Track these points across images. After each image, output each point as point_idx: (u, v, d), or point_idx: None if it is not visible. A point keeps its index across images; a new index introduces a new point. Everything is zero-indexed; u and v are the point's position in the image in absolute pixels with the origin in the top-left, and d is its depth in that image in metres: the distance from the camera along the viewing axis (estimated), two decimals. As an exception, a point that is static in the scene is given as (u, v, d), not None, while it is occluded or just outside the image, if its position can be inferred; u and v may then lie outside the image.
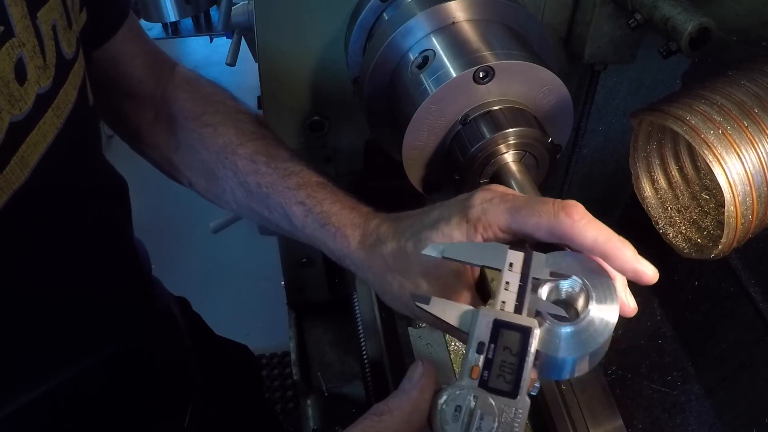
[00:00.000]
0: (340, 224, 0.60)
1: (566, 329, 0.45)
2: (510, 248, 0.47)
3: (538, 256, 0.47)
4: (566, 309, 0.47)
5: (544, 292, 0.47)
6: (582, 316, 0.45)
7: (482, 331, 0.44)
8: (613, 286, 0.47)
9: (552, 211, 0.48)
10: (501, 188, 0.54)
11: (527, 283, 0.46)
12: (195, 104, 0.73)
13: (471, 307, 0.46)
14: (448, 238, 0.52)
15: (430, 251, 0.48)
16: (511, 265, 0.46)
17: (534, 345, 0.43)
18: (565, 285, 0.48)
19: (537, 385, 0.45)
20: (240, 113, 0.73)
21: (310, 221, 0.62)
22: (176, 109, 0.74)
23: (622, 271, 0.47)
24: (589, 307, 0.45)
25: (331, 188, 0.64)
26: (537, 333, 0.44)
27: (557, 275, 0.47)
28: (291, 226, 0.64)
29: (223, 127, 0.70)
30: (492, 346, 0.43)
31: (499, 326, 0.43)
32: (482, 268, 0.54)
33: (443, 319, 0.46)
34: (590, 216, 0.48)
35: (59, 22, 0.53)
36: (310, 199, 0.62)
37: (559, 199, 0.49)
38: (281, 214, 0.65)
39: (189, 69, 0.79)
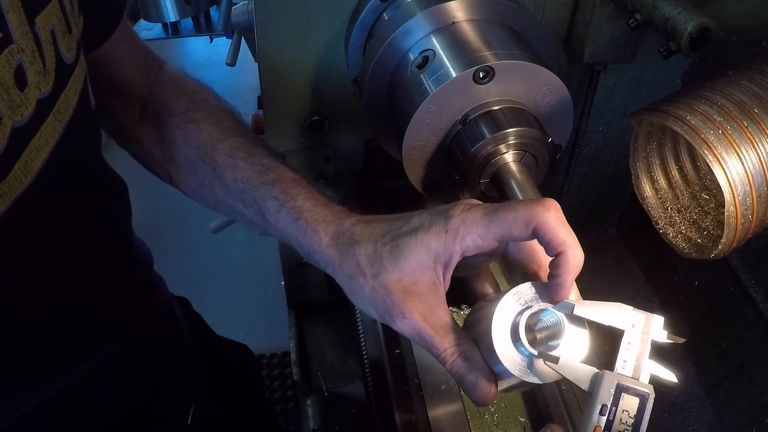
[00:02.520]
0: (312, 220, 0.59)
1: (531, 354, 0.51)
2: (633, 309, 0.51)
3: (657, 319, 0.51)
4: (527, 332, 0.51)
5: (525, 316, 0.51)
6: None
7: (606, 395, 0.48)
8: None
9: (529, 204, 0.51)
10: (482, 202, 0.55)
11: (646, 345, 0.50)
12: (179, 101, 0.74)
13: (595, 369, 0.49)
14: (426, 246, 0.52)
15: (560, 307, 0.51)
16: (633, 325, 0.50)
17: (650, 409, 0.48)
18: (546, 316, 0.52)
19: None
20: (222, 111, 0.75)
21: (282, 216, 0.62)
22: (161, 105, 0.75)
23: (555, 276, 0.51)
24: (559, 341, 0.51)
25: (305, 185, 0.64)
26: (653, 398, 0.48)
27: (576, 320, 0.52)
28: (264, 221, 0.64)
29: (205, 124, 0.71)
30: (613, 408, 0.47)
31: (621, 390, 0.48)
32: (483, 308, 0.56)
33: (571, 380, 0.50)
34: (563, 215, 0.51)
35: (58, 27, 0.53)
36: (284, 195, 0.62)
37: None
38: (255, 209, 0.65)
39: (176, 68, 0.80)
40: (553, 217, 0.50)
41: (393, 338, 0.88)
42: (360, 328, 0.98)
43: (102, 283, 0.65)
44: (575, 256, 0.50)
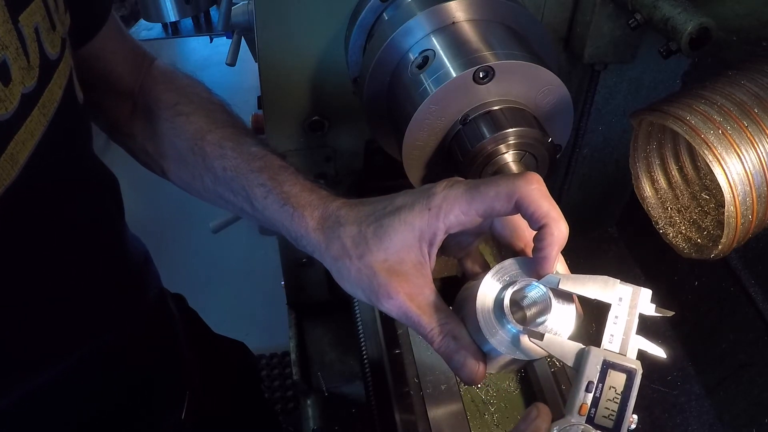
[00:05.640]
0: (299, 205, 0.60)
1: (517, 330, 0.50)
2: (620, 283, 0.50)
3: (645, 292, 0.50)
4: (516, 310, 0.51)
5: (509, 291, 0.50)
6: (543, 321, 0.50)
7: (592, 371, 0.47)
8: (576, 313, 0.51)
9: (511, 178, 0.51)
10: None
11: (634, 319, 0.49)
12: (169, 95, 0.75)
13: (581, 345, 0.49)
14: (410, 225, 0.52)
15: (545, 282, 0.50)
16: (620, 299, 0.49)
17: (637, 386, 0.47)
18: (531, 291, 0.51)
19: (634, 422, 0.48)
20: (212, 103, 0.75)
21: (269, 202, 0.62)
22: (152, 100, 0.75)
23: (539, 249, 0.50)
24: (546, 317, 0.50)
25: (292, 171, 0.64)
26: (640, 374, 0.47)
27: (563, 295, 0.51)
28: (252, 208, 0.65)
29: (195, 116, 0.72)
30: (600, 385, 0.47)
31: (607, 367, 0.47)
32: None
33: (556, 356, 0.49)
34: (546, 188, 0.51)
35: (41, 24, 0.54)
36: (271, 181, 0.63)
37: None
38: (244, 197, 0.65)
39: (166, 63, 0.81)
40: (535, 189, 0.50)
41: (393, 338, 0.88)
42: (360, 328, 0.98)
43: (91, 275, 0.66)
44: (559, 228, 0.49)
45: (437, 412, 0.78)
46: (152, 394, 0.80)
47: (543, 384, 0.81)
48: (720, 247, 0.63)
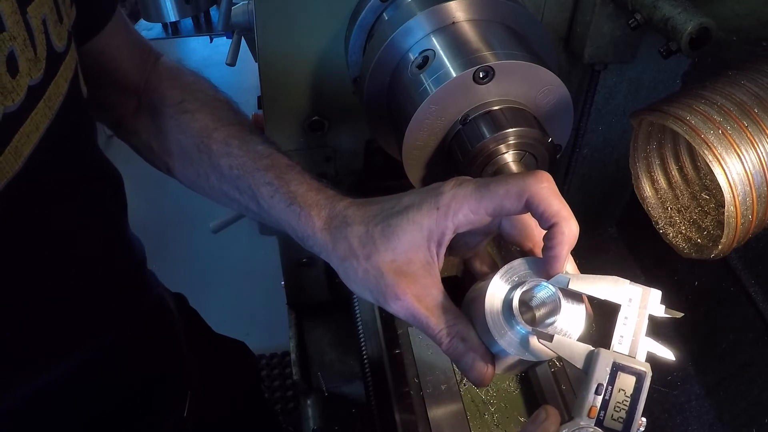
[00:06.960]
0: (305, 204, 0.59)
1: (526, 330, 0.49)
2: (630, 283, 0.49)
3: (654, 293, 0.50)
4: (525, 311, 0.50)
5: (518, 292, 0.50)
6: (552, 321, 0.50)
7: (602, 374, 0.47)
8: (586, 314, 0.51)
9: (521, 177, 0.50)
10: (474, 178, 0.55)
11: (643, 320, 0.49)
12: (175, 92, 0.75)
13: (590, 347, 0.48)
14: (418, 225, 0.52)
15: (555, 282, 0.50)
16: (630, 300, 0.49)
17: (647, 389, 0.47)
18: (540, 292, 0.51)
19: (643, 425, 0.47)
20: (218, 101, 0.75)
21: (276, 201, 0.61)
22: (157, 97, 0.75)
23: (549, 249, 0.50)
24: (555, 318, 0.50)
25: (299, 171, 0.64)
26: (650, 377, 0.47)
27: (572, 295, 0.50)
28: (259, 207, 0.64)
29: (201, 113, 0.71)
30: (609, 388, 0.47)
31: (617, 369, 0.47)
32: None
33: (565, 358, 0.48)
34: (556, 187, 0.50)
35: (49, 16, 0.54)
36: (278, 180, 0.62)
37: None
38: (250, 195, 0.65)
39: (172, 60, 0.80)
40: (545, 188, 0.49)
41: (393, 338, 0.88)
42: (360, 328, 0.98)
43: (91, 275, 0.66)
44: (570, 227, 0.49)
45: (437, 412, 0.78)
46: (153, 393, 0.80)
47: (543, 384, 0.81)
48: (720, 247, 0.63)
